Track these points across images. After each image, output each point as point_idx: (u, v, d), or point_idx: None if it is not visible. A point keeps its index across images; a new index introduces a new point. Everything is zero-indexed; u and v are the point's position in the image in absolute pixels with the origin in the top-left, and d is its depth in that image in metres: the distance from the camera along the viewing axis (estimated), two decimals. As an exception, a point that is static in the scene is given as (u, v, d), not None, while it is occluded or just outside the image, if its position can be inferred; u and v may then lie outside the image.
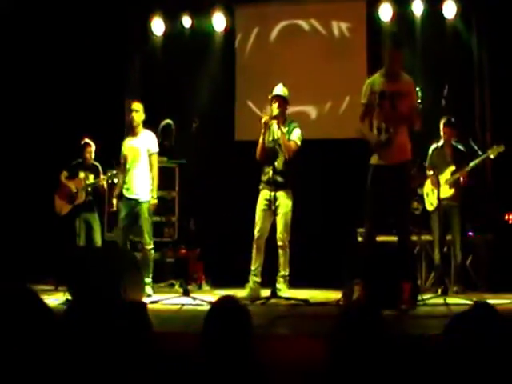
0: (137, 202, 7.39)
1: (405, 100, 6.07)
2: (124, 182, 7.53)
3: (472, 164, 7.45)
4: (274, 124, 7.04)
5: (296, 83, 9.65)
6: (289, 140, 7.00)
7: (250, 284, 7.00)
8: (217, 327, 2.69)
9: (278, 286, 6.89)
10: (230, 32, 10.30)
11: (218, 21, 10.15)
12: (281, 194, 6.97)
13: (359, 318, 2.55)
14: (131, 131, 7.65)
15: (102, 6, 9.67)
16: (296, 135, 7.04)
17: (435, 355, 2.57)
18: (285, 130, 6.99)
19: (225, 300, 2.85)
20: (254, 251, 7.02)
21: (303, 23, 10.17)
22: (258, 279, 7.01)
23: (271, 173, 6.95)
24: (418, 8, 9.42)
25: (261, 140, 7.05)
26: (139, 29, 10.34)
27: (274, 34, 10.25)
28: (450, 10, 9.25)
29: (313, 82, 9.76)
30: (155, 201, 7.48)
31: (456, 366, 2.19)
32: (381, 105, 6.09)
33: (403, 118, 6.06)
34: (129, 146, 7.56)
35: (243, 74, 10.14)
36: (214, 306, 2.80)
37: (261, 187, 7.11)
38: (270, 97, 7.15)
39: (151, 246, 7.48)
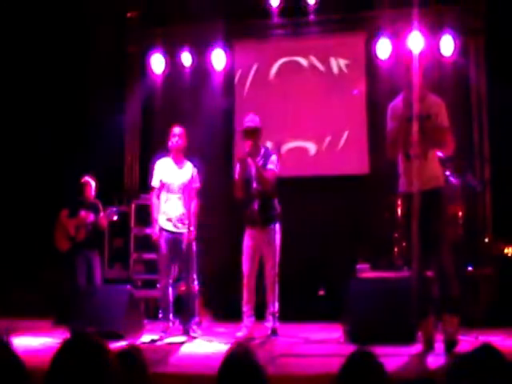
0: (179, 236, 6.98)
1: (434, 122, 5.59)
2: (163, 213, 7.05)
3: None
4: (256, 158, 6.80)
5: (296, 119, 9.79)
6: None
7: (246, 323, 6.82)
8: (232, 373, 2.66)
9: (266, 324, 6.76)
10: (229, 69, 10.37)
11: (218, 58, 10.24)
12: (266, 231, 6.76)
13: (363, 361, 2.55)
14: (174, 157, 7.12)
15: (100, 41, 9.76)
16: (271, 162, 6.77)
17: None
18: (261, 162, 6.77)
19: (236, 354, 2.80)
20: (244, 291, 6.85)
21: (302, 60, 10.26)
22: (252, 318, 6.85)
23: (254, 209, 6.77)
24: (415, 43, 9.50)
25: (237, 177, 6.85)
26: (138, 67, 10.43)
27: (274, 70, 10.34)
28: (447, 46, 9.31)
29: (312, 118, 9.85)
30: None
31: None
32: (407, 129, 5.59)
33: (433, 142, 5.60)
34: (173, 172, 7.08)
35: (243, 111, 10.18)
36: (227, 360, 2.75)
37: (246, 224, 6.91)
38: (241, 131, 6.98)
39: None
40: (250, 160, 6.76)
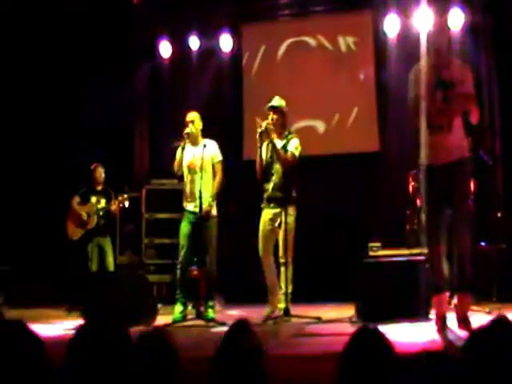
0: (201, 216, 6.88)
1: (459, 89, 5.20)
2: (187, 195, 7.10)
3: None
4: (277, 140, 6.91)
5: (304, 98, 9.74)
6: (286, 152, 6.86)
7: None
8: (228, 352, 2.67)
9: (279, 305, 6.77)
10: (236, 52, 10.34)
11: (225, 41, 10.21)
12: (282, 211, 6.79)
13: (368, 338, 2.53)
14: (192, 142, 7.11)
15: (108, 26, 9.74)
16: (293, 146, 6.89)
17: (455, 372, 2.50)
18: (282, 142, 6.89)
19: (237, 326, 2.82)
20: (265, 270, 6.91)
21: (310, 39, 10.21)
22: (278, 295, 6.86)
23: (270, 189, 6.89)
24: (423, 19, 9.40)
25: (258, 159, 6.98)
26: (146, 50, 10.42)
27: (281, 51, 10.30)
28: (456, 21, 9.18)
29: (321, 97, 9.82)
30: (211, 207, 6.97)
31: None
32: (432, 96, 5.20)
33: (458, 111, 5.24)
34: (191, 155, 7.10)
35: (251, 93, 10.17)
36: (227, 333, 2.76)
37: (262, 205, 6.98)
38: (266, 108, 7.08)
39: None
40: (271, 137, 6.85)
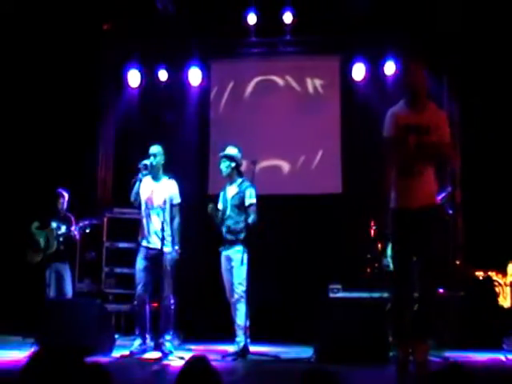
0: (158, 253, 6.82)
1: (433, 136, 5.12)
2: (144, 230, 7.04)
3: None
4: (228, 188, 7.21)
5: (270, 137, 9.86)
6: (244, 208, 7.05)
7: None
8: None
9: (237, 339, 6.80)
10: (205, 86, 10.41)
11: (194, 75, 10.27)
12: (232, 251, 6.98)
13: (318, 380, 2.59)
14: (153, 175, 7.06)
15: (76, 54, 9.73)
16: (250, 199, 7.07)
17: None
18: (235, 189, 7.14)
19: (194, 361, 2.83)
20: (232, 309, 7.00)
21: (278, 79, 10.35)
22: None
23: (224, 232, 7.10)
24: (390, 67, 9.65)
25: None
26: (114, 80, 10.42)
27: (249, 88, 10.40)
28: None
29: (286, 137, 9.92)
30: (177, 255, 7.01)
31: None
32: (405, 140, 5.12)
33: (431, 158, 5.17)
34: (150, 190, 7.05)
35: (218, 128, 10.23)
36: (184, 367, 2.77)
37: (220, 248, 7.16)
38: (219, 156, 7.33)
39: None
40: (229, 188, 7.19)
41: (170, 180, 7.12)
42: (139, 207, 7.09)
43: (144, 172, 6.95)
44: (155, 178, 7.08)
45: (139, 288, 6.92)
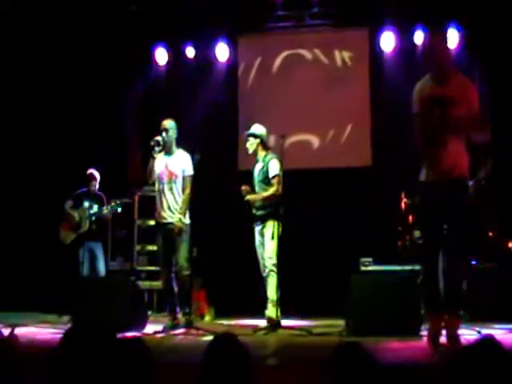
0: (171, 226, 6.83)
1: (459, 107, 5.09)
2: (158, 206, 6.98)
3: None
4: (255, 166, 7.27)
5: (298, 112, 9.79)
6: (269, 181, 7.08)
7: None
8: (214, 368, 2.68)
9: (266, 312, 6.85)
10: (232, 62, 10.37)
11: (221, 51, 10.25)
12: (263, 226, 7.04)
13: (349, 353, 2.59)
14: (166, 150, 6.99)
15: (105, 34, 9.75)
16: (273, 170, 7.07)
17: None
18: (260, 165, 7.18)
19: (222, 337, 2.84)
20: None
21: (306, 52, 10.25)
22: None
23: (253, 208, 7.15)
24: (419, 37, 9.50)
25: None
26: (142, 58, 10.42)
27: (277, 63, 10.33)
28: (452, 40, 9.24)
29: (315, 111, 9.83)
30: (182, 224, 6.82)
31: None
32: (430, 113, 5.15)
33: (455, 130, 5.13)
34: (163, 165, 6.99)
35: (246, 104, 10.20)
36: (212, 344, 2.78)
37: (253, 224, 7.23)
38: (244, 135, 7.42)
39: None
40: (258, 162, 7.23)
41: (182, 153, 7.04)
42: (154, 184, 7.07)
43: (156, 149, 6.88)
44: (168, 152, 7.00)
45: (162, 266, 6.99)
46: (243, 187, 7.18)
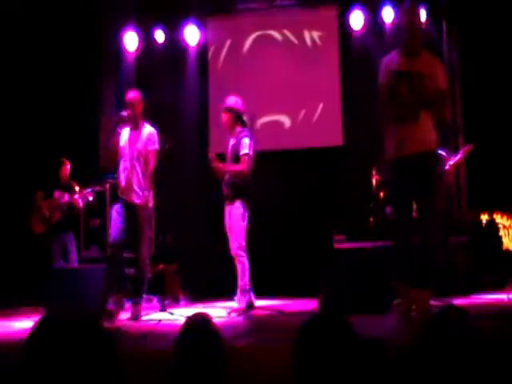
0: (134, 205, 6.50)
1: (426, 82, 5.13)
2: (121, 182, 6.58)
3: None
4: (230, 141, 6.98)
5: (269, 93, 9.76)
6: (238, 158, 6.81)
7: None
8: (187, 346, 2.67)
9: (235, 298, 6.78)
10: (203, 45, 10.30)
11: (191, 34, 10.17)
12: (232, 207, 6.79)
13: (322, 324, 2.55)
14: (131, 124, 6.60)
15: (73, 22, 9.63)
16: (243, 148, 6.78)
17: (404, 360, 2.60)
18: (233, 141, 6.94)
19: (195, 318, 2.83)
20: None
21: (275, 33, 10.20)
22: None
23: (223, 186, 6.90)
24: (388, 14, 9.47)
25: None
26: (112, 44, 10.33)
27: (247, 44, 10.28)
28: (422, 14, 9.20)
29: (286, 91, 9.80)
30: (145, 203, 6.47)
31: (427, 371, 2.20)
32: (398, 87, 5.18)
33: (423, 103, 5.15)
34: (127, 140, 6.60)
35: (217, 86, 10.13)
36: (184, 325, 2.77)
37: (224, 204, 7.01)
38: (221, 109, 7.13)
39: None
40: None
41: (149, 127, 6.66)
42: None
43: (121, 123, 6.55)
44: (134, 127, 6.62)
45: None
46: (210, 154, 7.00)
